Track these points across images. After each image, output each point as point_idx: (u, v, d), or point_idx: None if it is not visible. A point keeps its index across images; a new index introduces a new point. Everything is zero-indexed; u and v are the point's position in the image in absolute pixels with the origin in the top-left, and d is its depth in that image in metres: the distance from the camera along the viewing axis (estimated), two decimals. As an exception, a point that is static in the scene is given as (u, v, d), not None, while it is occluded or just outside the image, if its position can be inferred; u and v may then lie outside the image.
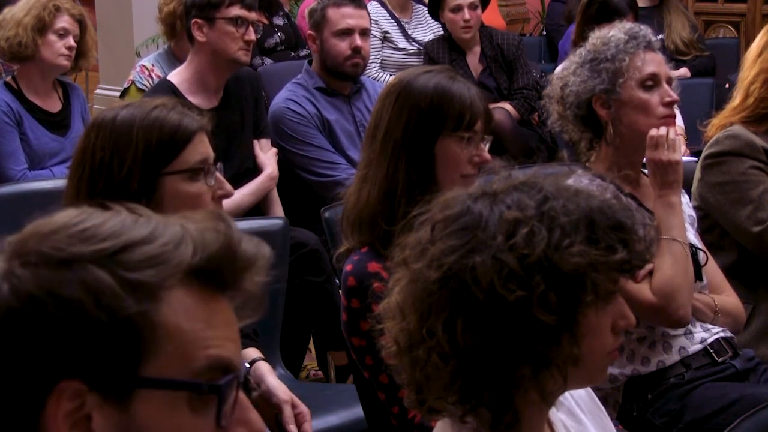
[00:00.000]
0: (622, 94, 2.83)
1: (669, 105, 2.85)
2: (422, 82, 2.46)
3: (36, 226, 1.07)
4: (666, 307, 2.67)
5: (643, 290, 2.69)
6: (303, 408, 2.39)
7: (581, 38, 3.04)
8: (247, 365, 2.44)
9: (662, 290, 2.68)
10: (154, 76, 4.83)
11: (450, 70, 2.56)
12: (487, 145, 2.50)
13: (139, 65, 5.04)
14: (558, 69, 3.01)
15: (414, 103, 2.44)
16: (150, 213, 1.09)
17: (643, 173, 2.96)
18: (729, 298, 2.90)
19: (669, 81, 2.88)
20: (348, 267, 2.40)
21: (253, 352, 2.47)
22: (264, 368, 2.43)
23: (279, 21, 5.99)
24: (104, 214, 1.07)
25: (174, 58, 4.97)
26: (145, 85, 4.83)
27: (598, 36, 2.88)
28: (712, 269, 2.94)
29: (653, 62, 2.86)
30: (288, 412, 2.35)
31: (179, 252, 1.04)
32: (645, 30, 2.89)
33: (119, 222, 1.06)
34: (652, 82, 2.84)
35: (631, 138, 2.85)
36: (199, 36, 3.96)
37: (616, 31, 2.86)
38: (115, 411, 1.01)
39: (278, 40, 5.90)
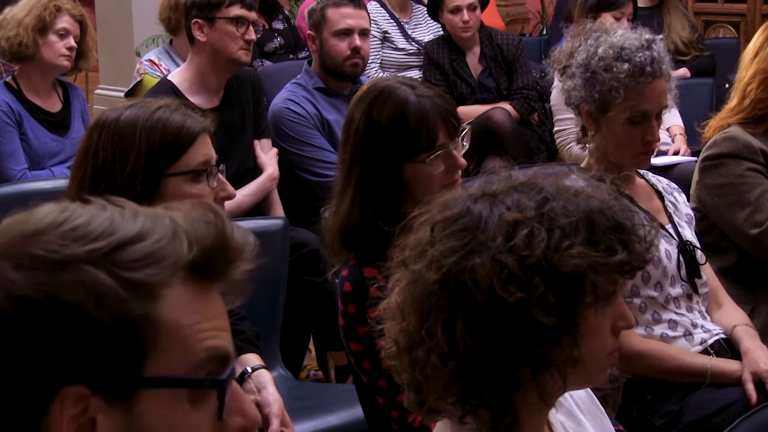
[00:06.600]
0: (607, 120, 2.80)
1: (648, 143, 2.82)
2: (377, 110, 2.38)
3: (19, 225, 1.02)
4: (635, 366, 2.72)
5: (633, 338, 2.70)
6: (291, 430, 2.40)
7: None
8: (249, 369, 2.43)
9: (652, 353, 2.72)
10: (162, 69, 4.83)
11: (407, 84, 2.44)
12: (465, 139, 2.42)
13: (145, 59, 5.03)
14: (569, 41, 2.89)
15: (370, 135, 2.38)
16: (134, 206, 1.06)
17: (638, 172, 2.96)
18: (736, 314, 2.89)
19: (659, 114, 2.83)
20: (344, 272, 2.39)
21: (255, 359, 2.47)
22: (267, 378, 2.44)
23: (279, 25, 5.99)
24: (89, 210, 1.04)
25: (174, 55, 4.97)
26: (159, 76, 4.80)
27: (606, 54, 2.76)
28: (709, 275, 2.93)
29: (649, 98, 2.78)
30: (275, 426, 2.35)
31: (174, 248, 1.02)
32: (655, 63, 2.78)
33: (107, 218, 1.03)
34: (640, 118, 2.79)
35: (611, 148, 2.84)
36: (199, 36, 3.96)
37: (627, 56, 2.75)
38: (119, 412, 1.00)
39: (278, 45, 5.89)
